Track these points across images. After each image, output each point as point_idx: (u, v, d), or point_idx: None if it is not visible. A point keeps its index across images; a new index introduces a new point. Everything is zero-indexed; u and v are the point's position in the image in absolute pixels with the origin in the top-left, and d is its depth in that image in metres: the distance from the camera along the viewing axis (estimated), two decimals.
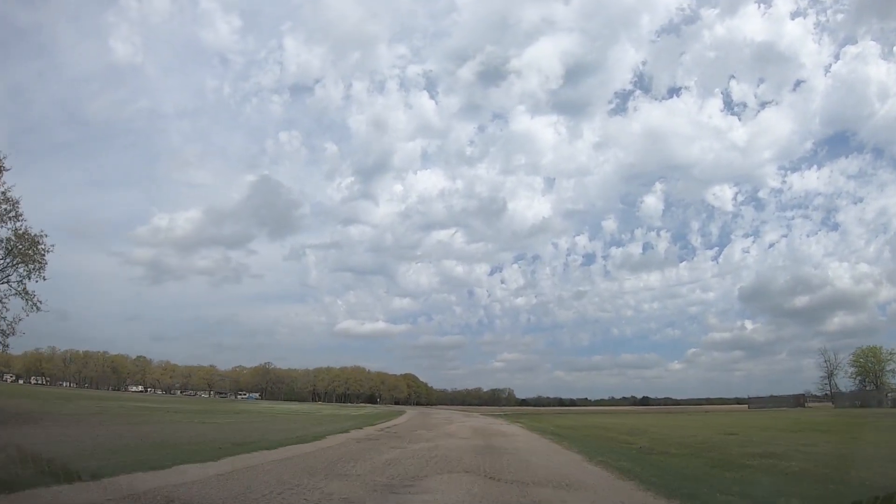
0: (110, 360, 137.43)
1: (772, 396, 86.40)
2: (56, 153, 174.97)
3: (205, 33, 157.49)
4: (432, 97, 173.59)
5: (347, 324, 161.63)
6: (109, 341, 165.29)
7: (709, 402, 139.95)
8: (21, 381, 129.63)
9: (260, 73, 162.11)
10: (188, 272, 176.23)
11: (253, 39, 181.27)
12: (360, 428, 25.07)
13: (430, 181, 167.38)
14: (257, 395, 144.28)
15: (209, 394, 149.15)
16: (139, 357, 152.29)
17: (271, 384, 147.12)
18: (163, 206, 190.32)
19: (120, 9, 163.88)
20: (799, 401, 72.64)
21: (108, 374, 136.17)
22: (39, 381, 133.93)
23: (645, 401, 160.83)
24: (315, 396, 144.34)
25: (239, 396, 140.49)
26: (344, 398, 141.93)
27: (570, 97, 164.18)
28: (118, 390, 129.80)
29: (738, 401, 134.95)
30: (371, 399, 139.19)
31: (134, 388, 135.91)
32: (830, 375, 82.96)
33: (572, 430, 27.64)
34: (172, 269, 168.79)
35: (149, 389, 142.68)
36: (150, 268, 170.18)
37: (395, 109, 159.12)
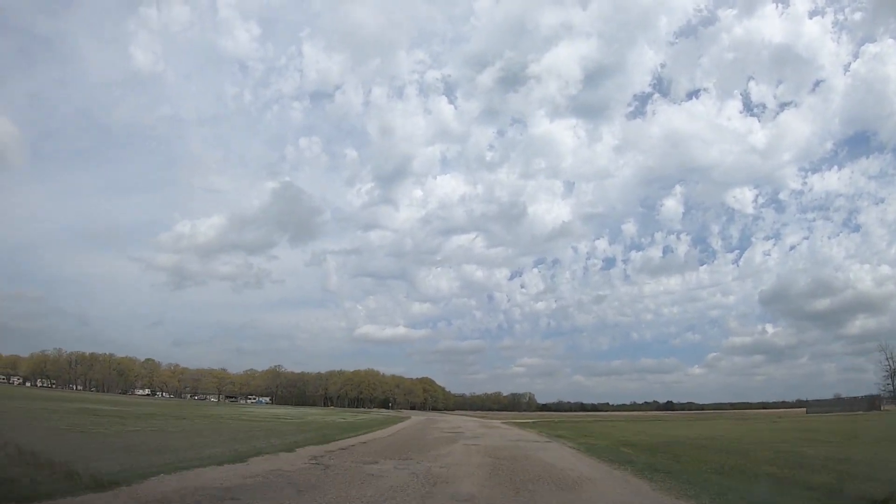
0: (116, 362, 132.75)
1: (838, 398, 76.95)
2: (77, 159, 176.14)
3: (224, 41, 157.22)
4: (451, 102, 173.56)
5: (367, 329, 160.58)
6: (131, 346, 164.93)
7: (732, 406, 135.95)
8: (28, 385, 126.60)
9: (280, 80, 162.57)
10: (210, 278, 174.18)
11: (272, 46, 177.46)
12: (318, 444, 17.27)
13: (449, 186, 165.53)
14: (268, 399, 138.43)
15: (218, 398, 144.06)
16: (148, 360, 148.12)
17: (282, 388, 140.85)
18: (184, 211, 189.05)
19: (140, 17, 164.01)
20: (874, 403, 63.10)
21: (113, 376, 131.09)
22: (45, 384, 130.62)
23: (669, 405, 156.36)
24: (327, 400, 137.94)
25: (248, 400, 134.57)
26: (357, 402, 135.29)
27: (588, 100, 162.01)
28: (125, 393, 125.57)
29: (784, 404, 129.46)
30: (385, 404, 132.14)
31: (141, 392, 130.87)
32: (894, 374, 72.85)
33: (657, 448, 18.28)
34: (194, 275, 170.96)
35: (158, 393, 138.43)
36: (172, 273, 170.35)
37: (414, 115, 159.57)
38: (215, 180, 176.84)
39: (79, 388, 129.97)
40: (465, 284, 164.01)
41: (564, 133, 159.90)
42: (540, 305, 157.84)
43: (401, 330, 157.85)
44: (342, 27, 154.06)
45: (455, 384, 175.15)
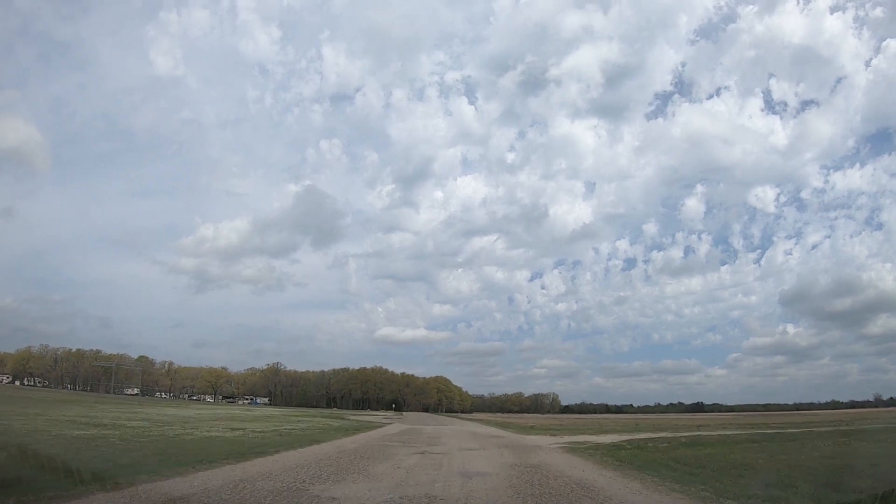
0: (104, 359, 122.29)
1: (878, 399, 63.51)
2: (98, 164, 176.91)
3: (244, 44, 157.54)
4: (472, 102, 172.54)
5: (388, 331, 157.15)
6: (152, 348, 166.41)
7: (765, 408, 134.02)
8: (17, 383, 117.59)
9: (300, 83, 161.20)
10: (232, 280, 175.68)
11: (293, 49, 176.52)
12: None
13: (470, 187, 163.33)
14: (266, 399, 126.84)
15: (214, 398, 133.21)
16: (141, 357, 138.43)
17: (282, 387, 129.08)
18: (205, 215, 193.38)
19: (160, 22, 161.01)
20: None
21: (99, 374, 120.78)
22: (31, 383, 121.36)
23: (698, 407, 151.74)
24: (330, 401, 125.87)
25: (244, 401, 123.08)
26: (362, 403, 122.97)
27: (609, 100, 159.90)
28: (109, 393, 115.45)
29: (835, 404, 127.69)
30: (394, 405, 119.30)
31: (129, 391, 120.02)
32: None
33: None
34: (216, 278, 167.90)
35: (159, 393, 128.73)
36: (194, 276, 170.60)
37: (434, 116, 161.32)
38: (236, 184, 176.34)
39: (66, 386, 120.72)
40: (486, 286, 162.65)
41: (585, 133, 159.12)
42: (560, 307, 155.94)
43: (421, 332, 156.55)
44: (362, 29, 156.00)
45: (475, 386, 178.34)
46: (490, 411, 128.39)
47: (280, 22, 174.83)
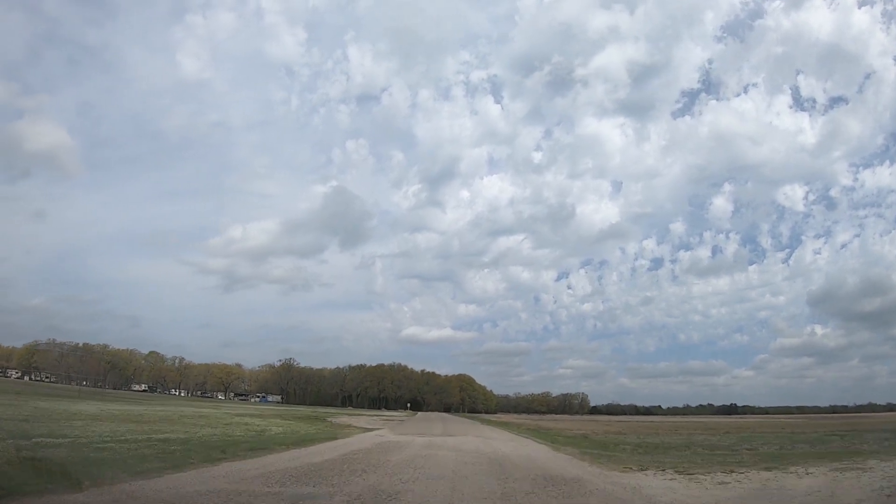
0: (109, 354, 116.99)
1: None
2: (128, 166, 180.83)
3: (271, 46, 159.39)
4: (497, 101, 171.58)
5: (413, 330, 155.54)
6: (180, 347, 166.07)
7: (788, 410, 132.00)
8: (27, 378, 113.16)
9: (326, 84, 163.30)
10: (260, 281, 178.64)
11: (318, 51, 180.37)
12: None
13: (496, 187, 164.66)
14: (278, 397, 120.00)
15: (226, 394, 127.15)
16: (151, 353, 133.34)
17: (294, 385, 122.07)
18: (233, 216, 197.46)
19: (187, 25, 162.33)
20: None
21: (106, 369, 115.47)
22: (39, 378, 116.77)
23: (732, 409, 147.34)
24: (346, 399, 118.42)
25: (255, 398, 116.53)
26: (379, 402, 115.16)
27: (636, 99, 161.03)
28: (118, 389, 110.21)
29: (873, 407, 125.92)
30: (414, 404, 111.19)
31: (137, 388, 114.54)
32: None
33: None
34: (244, 278, 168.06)
35: (174, 390, 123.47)
36: (222, 276, 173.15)
37: (460, 116, 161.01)
38: (264, 185, 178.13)
39: (71, 382, 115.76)
40: (512, 286, 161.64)
41: (612, 132, 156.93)
42: (586, 307, 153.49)
43: (446, 331, 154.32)
44: (387, 29, 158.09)
45: (499, 386, 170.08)
46: (515, 412, 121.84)
47: (306, 23, 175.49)
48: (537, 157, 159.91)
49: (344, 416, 40.91)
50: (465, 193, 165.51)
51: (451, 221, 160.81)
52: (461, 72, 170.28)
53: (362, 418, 40.88)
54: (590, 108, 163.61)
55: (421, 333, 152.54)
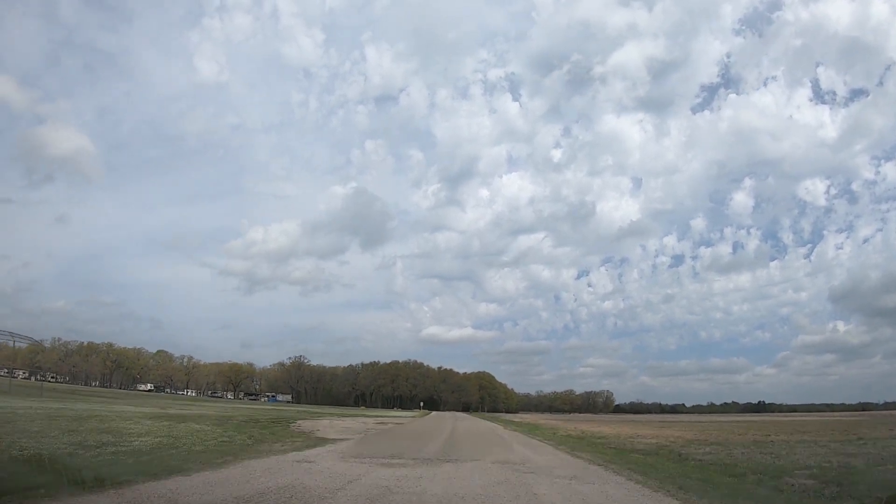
0: (115, 353, 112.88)
1: None
2: (148, 169, 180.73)
3: (288, 48, 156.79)
4: (516, 99, 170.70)
5: (434, 330, 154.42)
6: (201, 348, 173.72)
7: (817, 408, 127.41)
8: (33, 378, 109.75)
9: (344, 85, 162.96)
10: (281, 282, 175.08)
11: (336, 52, 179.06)
12: None
13: (516, 185, 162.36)
14: (289, 397, 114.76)
15: (235, 394, 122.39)
16: (159, 351, 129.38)
17: (305, 383, 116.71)
18: (252, 218, 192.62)
19: (203, 29, 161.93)
20: None
21: (111, 369, 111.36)
22: (44, 378, 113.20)
23: (760, 407, 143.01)
24: (359, 399, 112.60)
25: (264, 398, 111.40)
26: (392, 401, 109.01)
27: (655, 94, 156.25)
28: (123, 388, 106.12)
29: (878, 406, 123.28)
30: (431, 403, 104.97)
31: (143, 387, 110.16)
32: None
33: None
34: (265, 280, 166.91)
35: (186, 391, 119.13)
36: (243, 278, 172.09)
37: (479, 114, 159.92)
38: (283, 186, 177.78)
39: (69, 381, 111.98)
40: (532, 285, 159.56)
41: (631, 128, 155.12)
42: (607, 305, 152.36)
43: (467, 331, 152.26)
44: (404, 29, 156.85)
45: (520, 385, 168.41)
46: (537, 411, 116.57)
47: (322, 25, 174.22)
48: (557, 154, 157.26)
49: (326, 419, 32.10)
50: (484, 192, 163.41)
51: (471, 221, 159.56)
52: (479, 70, 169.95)
53: (349, 420, 32.68)
54: (609, 104, 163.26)
55: (441, 333, 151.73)
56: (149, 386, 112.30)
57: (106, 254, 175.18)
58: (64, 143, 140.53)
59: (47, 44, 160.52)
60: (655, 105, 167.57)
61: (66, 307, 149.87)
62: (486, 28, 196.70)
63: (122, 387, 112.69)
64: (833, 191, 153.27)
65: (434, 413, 77.65)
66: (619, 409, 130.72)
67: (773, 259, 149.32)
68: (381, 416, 46.67)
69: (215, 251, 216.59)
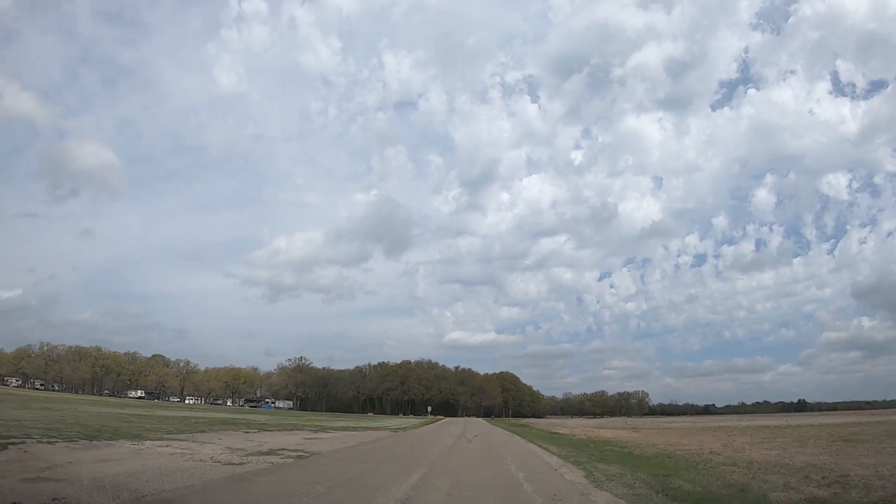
0: (104, 358, 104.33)
1: None
2: (169, 181, 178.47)
3: (306, 57, 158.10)
4: (534, 101, 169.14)
5: (456, 335, 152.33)
6: (225, 356, 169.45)
7: (869, 405, 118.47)
8: (27, 387, 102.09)
9: (363, 92, 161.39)
10: (304, 290, 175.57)
11: (354, 60, 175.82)
12: None
13: (536, 188, 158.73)
14: (290, 403, 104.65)
15: (233, 400, 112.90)
16: (155, 356, 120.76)
17: (307, 387, 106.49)
18: (275, 227, 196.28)
19: (221, 40, 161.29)
20: None
21: (100, 374, 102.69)
22: (32, 385, 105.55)
23: (801, 406, 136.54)
24: (367, 404, 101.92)
25: (263, 405, 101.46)
26: (403, 406, 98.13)
27: (674, 93, 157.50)
28: (113, 395, 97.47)
29: None
30: (447, 407, 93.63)
31: (133, 394, 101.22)
32: None
33: None
34: (288, 288, 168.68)
35: (188, 398, 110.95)
36: (266, 287, 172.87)
37: (498, 118, 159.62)
38: (304, 195, 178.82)
39: (55, 388, 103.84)
40: (554, 287, 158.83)
41: (651, 127, 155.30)
42: (630, 306, 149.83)
43: (490, 335, 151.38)
44: (421, 35, 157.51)
45: (543, 389, 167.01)
46: (565, 414, 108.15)
47: (340, 33, 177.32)
48: (577, 156, 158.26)
49: (268, 435, 19.66)
50: (505, 196, 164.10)
51: (492, 224, 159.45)
52: (497, 73, 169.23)
53: (266, 435, 19.55)
54: (628, 105, 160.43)
55: (464, 338, 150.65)
56: (139, 393, 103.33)
57: (130, 265, 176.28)
58: (86, 158, 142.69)
59: (67, 59, 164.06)
60: (675, 104, 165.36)
61: (91, 318, 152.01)
62: (504, 31, 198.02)
63: (114, 393, 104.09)
64: (855, 184, 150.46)
65: (445, 420, 66.78)
66: (651, 412, 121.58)
67: (796, 256, 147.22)
68: (359, 427, 35.11)
69: (238, 261, 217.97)
